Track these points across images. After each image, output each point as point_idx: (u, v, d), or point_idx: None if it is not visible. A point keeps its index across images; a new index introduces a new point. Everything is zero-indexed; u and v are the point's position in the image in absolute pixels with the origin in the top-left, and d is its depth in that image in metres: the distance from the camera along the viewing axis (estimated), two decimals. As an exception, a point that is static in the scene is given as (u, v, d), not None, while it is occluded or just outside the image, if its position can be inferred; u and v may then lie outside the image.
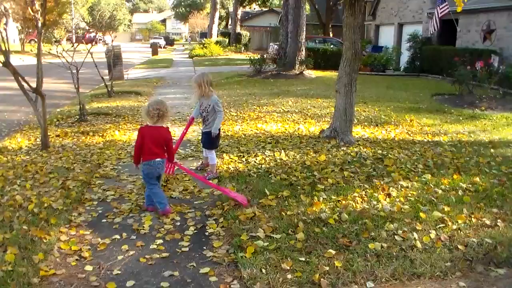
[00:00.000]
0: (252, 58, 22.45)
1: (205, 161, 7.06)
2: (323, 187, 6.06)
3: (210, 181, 6.14)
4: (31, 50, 40.29)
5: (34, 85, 8.14)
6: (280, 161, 7.36)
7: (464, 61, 16.06)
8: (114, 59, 18.69)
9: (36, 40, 11.41)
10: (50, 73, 15.39)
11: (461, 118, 11.64)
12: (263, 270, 4.00)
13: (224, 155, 7.70)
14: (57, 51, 11.02)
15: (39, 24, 8.64)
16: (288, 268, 4.05)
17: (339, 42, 31.27)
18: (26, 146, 8.66)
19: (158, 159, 5.37)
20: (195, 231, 4.97)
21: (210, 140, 6.77)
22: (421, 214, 5.12)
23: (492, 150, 8.27)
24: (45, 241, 4.55)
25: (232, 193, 5.71)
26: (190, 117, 7.09)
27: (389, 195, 5.81)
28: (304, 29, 21.60)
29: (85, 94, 15.63)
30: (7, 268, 3.96)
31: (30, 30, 42.64)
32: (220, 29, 61.01)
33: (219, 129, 6.79)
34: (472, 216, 5.17)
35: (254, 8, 66.63)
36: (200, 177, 6.14)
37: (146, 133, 5.36)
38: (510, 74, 15.90)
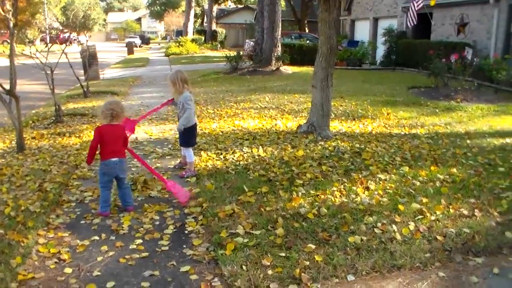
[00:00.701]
0: (228, 55, 22.41)
1: (183, 159, 7.03)
2: (301, 182, 6.08)
3: (162, 176, 6.09)
4: (3, 51, 39.80)
5: (7, 86, 8.03)
6: (258, 157, 7.36)
7: (439, 54, 16.22)
8: (89, 59, 18.49)
9: (8, 41, 11.26)
10: (24, 74, 15.22)
11: (437, 110, 11.74)
12: (244, 267, 4.00)
13: (202, 152, 7.68)
14: (30, 52, 10.89)
15: (11, 25, 8.53)
16: (269, 264, 4.05)
17: (314, 37, 31.32)
18: (1, 149, 8.55)
19: (115, 159, 5.33)
20: (174, 230, 4.94)
21: (182, 137, 6.79)
22: (400, 206, 5.16)
23: (468, 141, 8.37)
24: (22, 244, 4.50)
25: (174, 188, 5.72)
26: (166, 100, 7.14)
27: (367, 188, 5.85)
28: (280, 25, 21.60)
29: (61, 95, 15.49)
30: (-16, 273, 3.90)
31: (3, 31, 42.08)
32: (196, 27, 60.77)
33: (195, 126, 6.79)
34: (450, 206, 5.22)
35: (229, 5, 66.54)
36: (147, 166, 6.07)
37: (102, 132, 5.34)
38: (484, 66, 16.09)
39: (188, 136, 6.75)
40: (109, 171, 5.35)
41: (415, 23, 19.76)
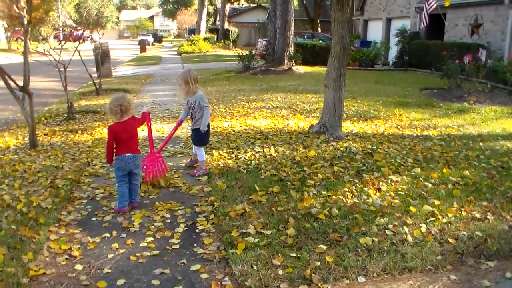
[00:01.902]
0: (240, 54, 22.39)
1: (194, 157, 7.04)
2: (313, 182, 6.06)
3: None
4: (17, 48, 39.96)
5: (21, 83, 8.07)
6: (269, 157, 7.35)
7: (452, 55, 16.14)
8: (102, 57, 18.55)
9: (22, 38, 11.33)
10: (37, 71, 15.31)
11: (450, 112, 11.67)
12: (254, 266, 3.99)
13: (214, 151, 7.68)
14: (44, 49, 10.95)
15: (25, 22, 8.58)
16: (279, 264, 4.04)
17: (327, 37, 31.25)
18: (14, 145, 8.60)
19: (129, 154, 5.35)
20: (185, 228, 4.95)
21: (199, 137, 6.74)
22: (412, 208, 5.13)
23: (481, 144, 8.31)
24: (34, 240, 4.52)
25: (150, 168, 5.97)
26: (179, 119, 6.98)
27: (379, 189, 5.82)
28: (293, 24, 21.54)
29: (73, 92, 15.56)
30: (-4, 268, 3.92)
31: (17, 28, 42.33)
32: (208, 25, 60.85)
33: (208, 125, 6.76)
34: (462, 209, 5.18)
35: (242, 4, 66.53)
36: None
37: (115, 130, 5.35)
38: (498, 67, 15.97)
39: (204, 135, 6.76)
40: (123, 166, 5.36)
41: (426, 24, 19.67)
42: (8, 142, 8.80)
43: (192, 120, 6.74)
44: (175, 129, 7.00)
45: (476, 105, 12.75)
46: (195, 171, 6.72)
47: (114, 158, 5.40)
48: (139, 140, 5.81)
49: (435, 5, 18.44)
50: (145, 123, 5.92)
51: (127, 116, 5.38)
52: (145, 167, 6.11)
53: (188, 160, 7.27)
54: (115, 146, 5.37)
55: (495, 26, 19.57)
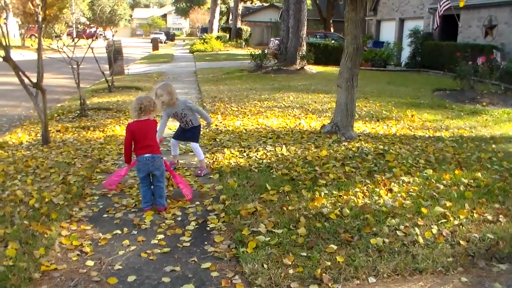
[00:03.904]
0: (253, 53, 22.40)
1: (174, 159, 7.02)
2: (324, 182, 6.05)
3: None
4: (31, 45, 40.25)
5: (34, 80, 8.12)
6: (281, 156, 7.35)
7: (466, 56, 16.01)
8: (115, 54, 18.62)
9: (36, 35, 11.40)
10: (50, 68, 15.39)
11: (462, 114, 11.60)
12: (265, 265, 3.99)
13: (226, 150, 7.69)
14: (57, 46, 11.00)
15: (40, 19, 8.63)
16: (290, 263, 4.04)
17: (340, 37, 31.21)
18: (26, 141, 8.65)
19: (148, 155, 5.28)
20: (196, 226, 4.96)
21: (197, 134, 6.83)
22: (423, 209, 5.11)
23: (493, 146, 8.25)
24: (46, 236, 4.55)
25: (182, 183, 5.73)
26: (158, 140, 6.44)
27: (390, 190, 5.80)
28: (305, 24, 21.51)
29: (86, 89, 15.64)
30: (8, 263, 3.95)
31: (31, 25, 42.59)
32: (221, 24, 60.90)
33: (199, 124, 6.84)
34: (474, 211, 5.15)
35: (255, 3, 66.52)
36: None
37: (132, 128, 5.32)
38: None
39: (199, 132, 6.86)
40: (142, 167, 5.31)
41: (438, 25, 19.59)
42: (21, 138, 8.86)
43: (186, 125, 6.71)
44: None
45: (489, 107, 12.67)
46: (199, 171, 6.71)
47: (135, 159, 5.37)
48: None
49: (449, 5, 18.35)
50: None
51: (146, 117, 5.33)
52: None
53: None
54: (133, 145, 5.34)
55: (509, 28, 19.44)
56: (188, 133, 6.78)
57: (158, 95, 6.36)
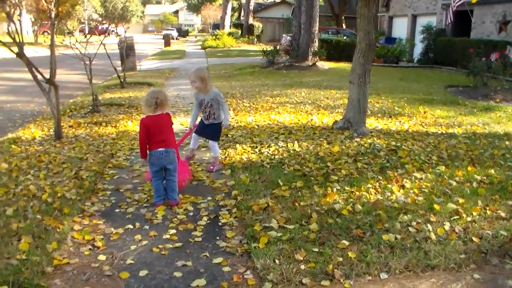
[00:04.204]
0: (265, 49, 22.38)
1: (191, 153, 7.02)
2: (336, 178, 6.04)
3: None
4: (44, 41, 40.52)
5: (47, 76, 8.16)
6: (293, 152, 7.34)
7: (479, 52, 15.89)
8: (127, 50, 18.71)
9: (49, 31, 11.46)
10: (62, 64, 15.47)
11: (475, 110, 11.52)
12: (277, 261, 3.99)
13: (238, 145, 7.69)
14: (70, 42, 11.05)
15: (52, 15, 8.67)
16: (302, 258, 4.04)
17: (352, 33, 31.13)
18: (39, 136, 8.70)
19: (161, 149, 5.28)
20: (208, 221, 4.97)
21: (217, 132, 6.76)
22: (435, 206, 5.08)
23: (507, 143, 8.18)
24: (58, 230, 4.57)
25: (183, 173, 5.78)
26: (189, 129, 6.86)
27: (403, 186, 5.78)
28: (317, 20, 21.43)
29: (98, 85, 15.68)
30: (22, 256, 3.98)
31: (44, 22, 42.82)
32: (233, 20, 60.89)
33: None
34: (487, 208, 5.11)
35: (267, 0, 66.46)
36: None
37: (146, 123, 5.30)
38: (526, 66, 15.74)
39: (220, 130, 6.79)
40: (155, 161, 5.31)
41: (451, 21, 19.44)
42: (34, 133, 8.90)
43: (208, 118, 6.65)
44: (185, 136, 6.87)
45: (502, 103, 12.57)
46: (211, 167, 6.71)
47: (148, 153, 5.36)
48: None
49: (462, 1, 18.22)
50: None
51: (161, 111, 5.32)
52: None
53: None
54: (147, 140, 5.34)
55: (524, 24, 19.29)
56: (209, 129, 6.72)
57: (191, 80, 6.47)
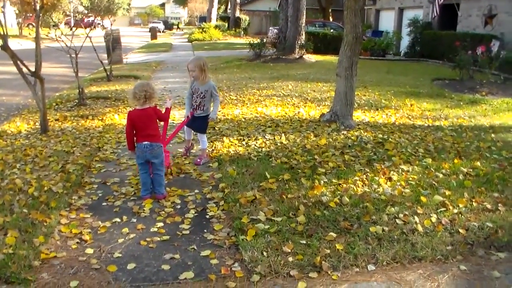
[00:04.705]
0: (251, 42, 22.34)
1: (188, 144, 7.03)
2: (323, 170, 6.05)
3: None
4: (29, 34, 40.14)
5: (32, 68, 8.09)
6: (280, 144, 7.35)
7: (465, 46, 15.96)
8: (113, 43, 18.59)
9: (34, 24, 11.35)
10: (48, 57, 15.35)
11: (461, 103, 11.59)
12: (264, 253, 4.00)
13: (225, 138, 7.68)
14: (55, 35, 10.97)
15: (37, 8, 8.59)
16: (289, 251, 4.05)
17: (339, 26, 31.15)
18: (25, 130, 8.64)
19: (146, 143, 5.26)
20: (195, 214, 4.96)
21: (205, 124, 6.72)
22: (422, 198, 5.12)
23: (493, 135, 8.25)
24: (45, 224, 4.55)
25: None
26: (186, 117, 6.71)
27: (390, 179, 5.80)
28: (304, 13, 21.42)
29: (84, 78, 15.59)
30: (8, 251, 3.96)
31: (28, 14, 42.38)
32: (219, 13, 60.66)
33: None
34: (473, 200, 5.16)
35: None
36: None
37: (134, 116, 5.28)
38: (511, 59, 15.81)
39: (207, 122, 6.75)
40: (140, 154, 5.30)
41: (437, 14, 19.49)
42: (19, 127, 8.84)
43: (198, 109, 6.59)
44: (182, 124, 6.83)
45: (488, 96, 12.65)
46: (199, 160, 6.69)
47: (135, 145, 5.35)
48: None
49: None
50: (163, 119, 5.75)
51: (149, 104, 5.29)
52: None
53: (184, 149, 7.12)
54: (134, 133, 5.32)
55: (509, 17, 19.39)
56: (197, 122, 6.66)
57: (190, 69, 6.42)
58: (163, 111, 5.76)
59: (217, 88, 6.65)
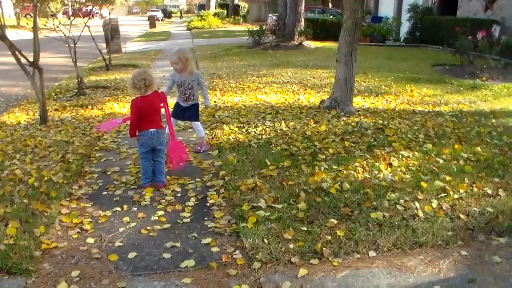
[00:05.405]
0: (251, 29, 22.27)
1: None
2: (324, 157, 6.04)
3: None
4: (27, 24, 39.84)
5: (31, 59, 8.07)
6: (280, 131, 7.33)
7: (465, 31, 15.87)
8: (112, 32, 18.52)
9: (31, 14, 11.29)
10: (47, 47, 15.22)
11: (462, 89, 11.54)
12: (265, 240, 4.00)
13: (225, 126, 7.67)
14: (53, 25, 10.93)
15: (35, -3, 8.55)
16: (290, 237, 4.05)
17: (338, 12, 31.03)
18: (24, 120, 8.63)
19: (152, 130, 5.25)
20: (196, 202, 4.97)
21: (198, 112, 6.72)
22: (423, 184, 5.10)
23: (493, 120, 8.22)
24: (46, 214, 4.55)
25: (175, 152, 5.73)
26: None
27: (390, 164, 5.79)
28: (303, -1, 21.38)
29: (83, 68, 15.57)
30: (9, 241, 3.96)
31: (26, 4, 42.19)
32: (218, 1, 60.41)
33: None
34: (474, 185, 5.14)
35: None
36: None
37: (140, 104, 5.23)
38: (512, 44, 15.75)
39: (198, 110, 6.74)
40: (146, 141, 5.28)
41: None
42: (19, 117, 8.84)
43: (188, 100, 6.55)
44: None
45: (488, 81, 12.59)
46: (199, 148, 6.70)
47: (138, 133, 5.31)
48: None
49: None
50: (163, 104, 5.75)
51: (151, 91, 5.26)
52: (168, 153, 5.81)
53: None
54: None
55: (510, 2, 19.24)
56: (188, 112, 6.64)
57: (173, 62, 6.36)
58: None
59: (202, 76, 6.62)
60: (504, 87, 11.79)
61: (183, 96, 6.54)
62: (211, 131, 7.46)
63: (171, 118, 6.35)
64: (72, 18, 12.08)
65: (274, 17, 25.67)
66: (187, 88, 6.47)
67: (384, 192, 4.94)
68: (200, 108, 6.83)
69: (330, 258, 3.77)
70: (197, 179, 5.59)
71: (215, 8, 49.98)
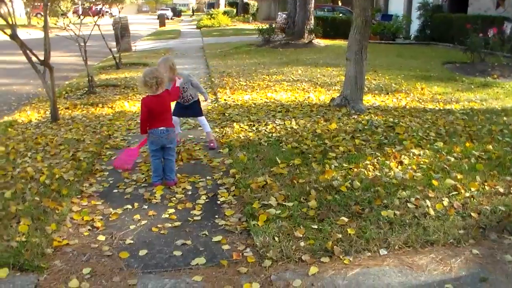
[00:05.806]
0: (260, 27, 22.26)
1: (177, 137, 6.92)
2: (334, 155, 6.03)
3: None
4: (37, 23, 40.11)
5: (42, 57, 8.10)
6: (290, 129, 7.33)
7: (476, 28, 15.77)
8: (122, 31, 18.54)
9: (42, 13, 11.35)
10: (57, 46, 15.33)
11: (472, 86, 11.48)
12: (276, 238, 4.00)
13: (235, 124, 7.67)
14: (64, 23, 10.97)
15: (45, -4, 8.59)
16: (301, 235, 4.04)
17: (348, 10, 30.92)
18: (35, 119, 8.67)
19: (162, 128, 5.25)
20: (206, 200, 4.98)
21: (198, 107, 6.79)
22: (434, 182, 5.08)
23: (504, 118, 8.17)
24: (57, 212, 4.57)
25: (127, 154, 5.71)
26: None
27: (401, 162, 5.77)
28: (313, -3, 21.34)
29: (94, 66, 15.60)
30: (21, 239, 3.98)
31: (36, 3, 42.40)
32: (228, -1, 60.52)
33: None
34: (485, 183, 5.11)
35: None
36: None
37: (150, 103, 5.22)
38: (524, 41, 15.63)
39: (200, 105, 6.82)
40: (156, 140, 5.28)
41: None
42: (30, 116, 8.87)
43: (187, 101, 6.65)
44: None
45: (500, 79, 12.52)
46: (212, 144, 6.72)
47: (148, 131, 5.31)
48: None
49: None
50: (174, 98, 5.77)
51: (162, 89, 5.25)
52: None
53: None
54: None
55: (521, -2, 19.12)
56: (190, 109, 6.73)
57: (162, 72, 6.26)
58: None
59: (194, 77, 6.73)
60: (516, 84, 11.71)
61: (182, 99, 6.64)
62: (221, 129, 7.47)
63: (175, 117, 6.46)
64: (82, 17, 12.10)
65: (284, 15, 25.66)
66: (183, 91, 6.52)
67: (395, 190, 4.92)
68: (202, 105, 6.93)
69: (341, 256, 3.76)
70: (207, 177, 5.60)
71: (225, 7, 50.08)
